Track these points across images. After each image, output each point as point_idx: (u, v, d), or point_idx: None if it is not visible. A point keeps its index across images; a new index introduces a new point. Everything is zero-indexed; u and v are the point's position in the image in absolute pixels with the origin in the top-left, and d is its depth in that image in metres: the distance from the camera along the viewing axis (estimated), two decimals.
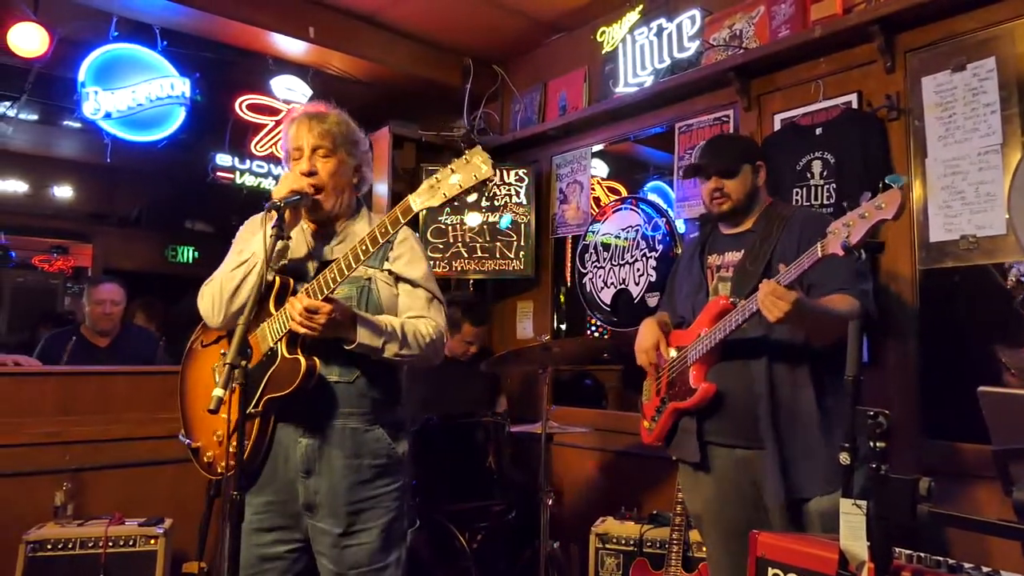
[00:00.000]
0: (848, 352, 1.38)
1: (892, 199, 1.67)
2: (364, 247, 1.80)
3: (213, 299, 2.00)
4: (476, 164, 1.67)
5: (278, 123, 4.78)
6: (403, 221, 1.76)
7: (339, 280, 1.83)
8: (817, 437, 2.03)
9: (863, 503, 1.35)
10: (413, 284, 2.06)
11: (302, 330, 1.82)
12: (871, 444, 1.30)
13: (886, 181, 1.71)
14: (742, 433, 2.12)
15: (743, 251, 2.23)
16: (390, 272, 2.05)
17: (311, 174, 1.99)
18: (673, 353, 2.28)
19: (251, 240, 2.04)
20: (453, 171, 1.69)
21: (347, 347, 1.89)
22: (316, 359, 1.88)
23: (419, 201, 1.74)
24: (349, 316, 1.88)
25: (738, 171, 2.25)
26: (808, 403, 2.06)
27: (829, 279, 2.03)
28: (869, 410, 1.30)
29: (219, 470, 1.97)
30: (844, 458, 1.36)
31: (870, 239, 1.73)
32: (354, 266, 1.81)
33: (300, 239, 2.06)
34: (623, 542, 3.03)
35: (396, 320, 2.00)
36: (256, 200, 5.12)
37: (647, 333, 2.36)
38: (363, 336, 1.89)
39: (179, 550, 3.10)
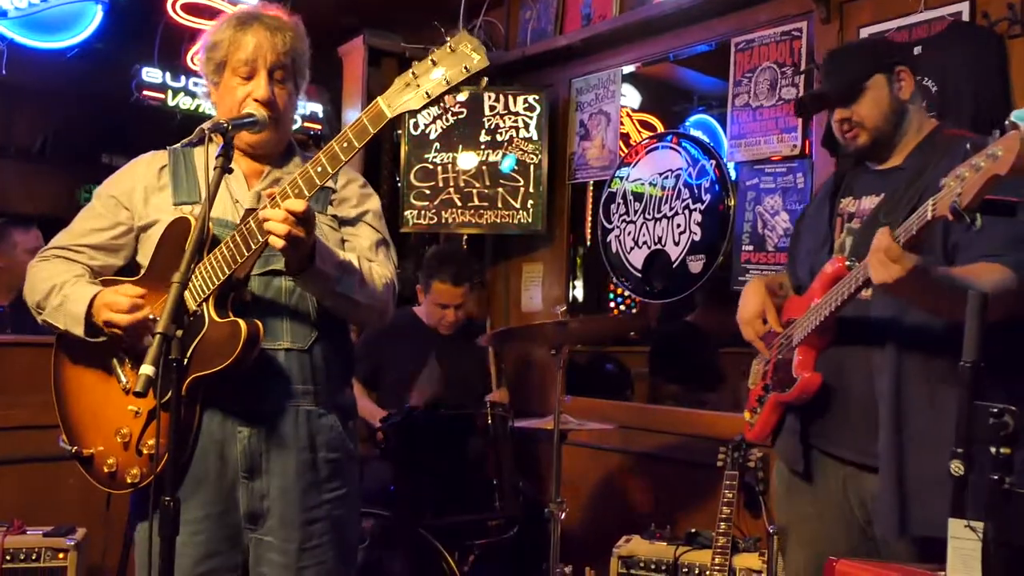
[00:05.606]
0: (966, 332, 1.37)
1: (1009, 147, 1.49)
2: (320, 169, 1.76)
3: (27, 294, 2.03)
4: (464, 52, 1.66)
5: None
6: (372, 131, 1.73)
7: None
8: None
9: (979, 525, 1.33)
10: (355, 222, 2.09)
11: (282, 243, 1.72)
12: (992, 450, 1.28)
13: (1011, 119, 1.61)
14: (854, 444, 2.05)
15: (883, 195, 2.09)
16: (334, 217, 2.07)
17: (268, 104, 1.94)
18: (786, 327, 2.20)
19: (130, 190, 2.03)
20: (435, 63, 1.68)
21: (292, 276, 1.85)
22: (258, 322, 1.85)
23: (392, 103, 1.71)
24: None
25: (865, 87, 2.08)
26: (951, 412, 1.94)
27: (979, 240, 1.85)
28: (992, 406, 1.29)
29: (128, 480, 1.93)
30: (956, 467, 1.34)
31: (992, 198, 1.54)
32: (307, 193, 1.76)
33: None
34: (653, 567, 3.03)
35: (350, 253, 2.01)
36: (193, 128, 5.05)
37: (750, 299, 2.29)
38: (321, 260, 1.84)
39: (94, 566, 3.11)
